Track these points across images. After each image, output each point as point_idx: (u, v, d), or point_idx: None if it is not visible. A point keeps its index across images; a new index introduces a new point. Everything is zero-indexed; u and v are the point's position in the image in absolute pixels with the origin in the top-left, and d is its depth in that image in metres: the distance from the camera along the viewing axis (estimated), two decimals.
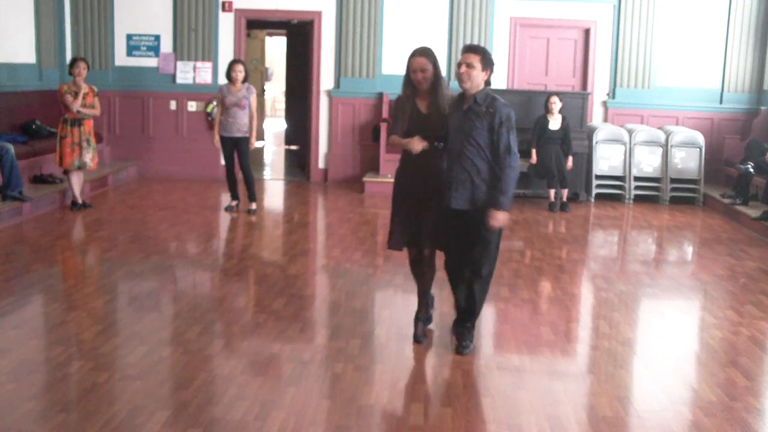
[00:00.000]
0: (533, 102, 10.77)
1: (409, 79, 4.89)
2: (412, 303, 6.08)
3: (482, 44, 11.52)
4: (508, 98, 10.85)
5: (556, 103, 10.04)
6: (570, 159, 10.21)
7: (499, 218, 4.66)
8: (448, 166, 4.79)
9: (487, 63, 4.69)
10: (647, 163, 11.00)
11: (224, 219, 9.15)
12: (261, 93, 15.98)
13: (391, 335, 5.25)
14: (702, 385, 4.65)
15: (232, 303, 6.04)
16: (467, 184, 4.69)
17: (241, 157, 9.04)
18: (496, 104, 4.67)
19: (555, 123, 10.08)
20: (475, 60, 4.66)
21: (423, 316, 5.22)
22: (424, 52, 4.89)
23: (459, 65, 4.69)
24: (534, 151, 10.12)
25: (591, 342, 5.46)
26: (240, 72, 8.91)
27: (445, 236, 4.95)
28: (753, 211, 9.36)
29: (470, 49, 4.73)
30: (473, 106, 4.68)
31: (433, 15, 11.57)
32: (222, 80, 10.66)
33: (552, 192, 10.18)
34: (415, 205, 4.95)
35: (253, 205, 9.30)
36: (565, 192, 10.24)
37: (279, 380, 4.46)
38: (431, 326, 5.39)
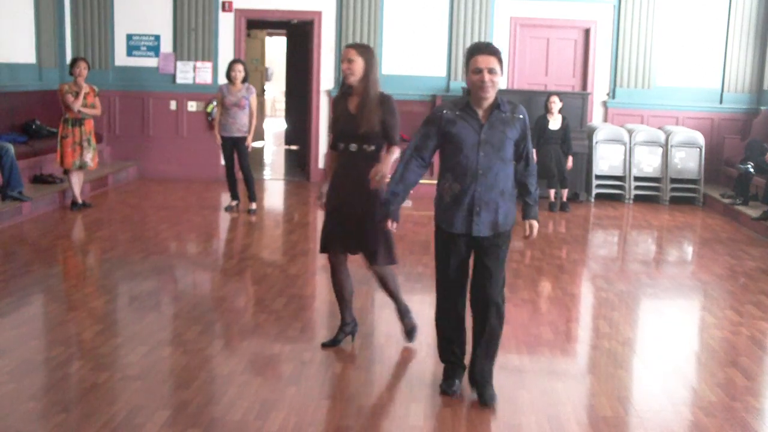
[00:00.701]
0: (533, 102, 10.76)
1: (343, 80, 4.72)
2: (413, 303, 6.09)
3: None
4: (508, 98, 10.96)
5: (555, 103, 10.04)
6: (570, 159, 10.22)
7: (537, 227, 4.28)
8: (460, 188, 4.08)
9: (502, 64, 4.05)
10: (647, 163, 11.00)
11: (224, 219, 9.15)
12: (261, 93, 15.98)
13: (391, 335, 5.25)
14: (702, 385, 4.65)
15: (232, 303, 6.03)
16: (492, 206, 4.07)
17: (240, 157, 9.04)
18: (520, 108, 4.15)
19: (555, 123, 10.08)
20: (497, 64, 3.97)
21: (346, 329, 5.01)
22: (356, 45, 4.73)
23: (477, 72, 3.97)
24: (534, 151, 10.11)
25: (591, 342, 5.46)
26: (239, 72, 8.90)
27: (383, 246, 4.71)
28: (753, 211, 9.36)
29: (489, 50, 4.00)
30: (498, 115, 4.06)
31: (433, 15, 11.57)
32: (222, 80, 10.66)
33: (552, 192, 10.18)
34: (346, 210, 4.73)
35: (253, 205, 9.30)
36: (565, 192, 10.24)
37: (279, 380, 4.46)
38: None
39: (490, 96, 4.01)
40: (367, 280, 6.64)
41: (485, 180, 4.05)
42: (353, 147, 4.67)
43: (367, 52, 4.68)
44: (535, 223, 4.26)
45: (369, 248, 4.74)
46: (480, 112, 4.07)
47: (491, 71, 3.95)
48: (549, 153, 10.05)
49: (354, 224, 4.72)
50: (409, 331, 5.05)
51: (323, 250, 4.94)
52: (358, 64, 4.62)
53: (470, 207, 4.06)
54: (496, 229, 4.11)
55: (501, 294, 4.19)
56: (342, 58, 4.69)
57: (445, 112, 4.11)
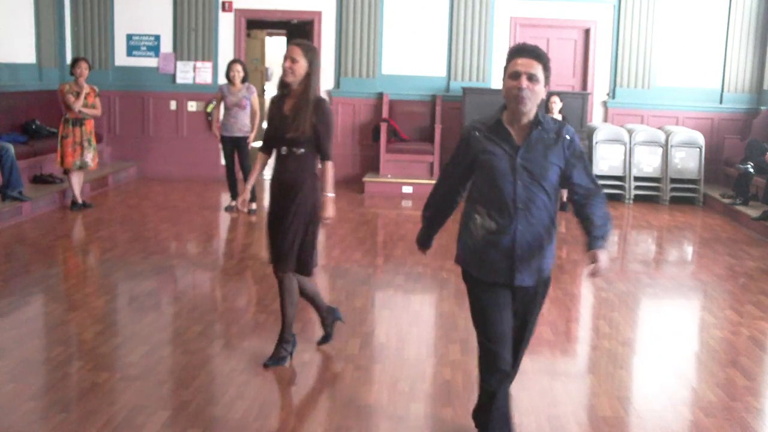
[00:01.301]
0: None
1: (282, 78, 4.46)
2: (412, 303, 6.10)
3: (482, 44, 11.52)
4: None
5: (556, 103, 10.05)
6: None
7: (606, 260, 3.32)
8: (497, 226, 3.29)
9: (549, 72, 3.30)
10: (647, 163, 11.00)
11: (224, 219, 9.15)
12: (261, 93, 15.98)
13: (391, 335, 5.25)
14: (702, 385, 4.65)
15: (232, 303, 6.03)
16: (536, 247, 3.33)
17: (241, 157, 9.05)
18: (567, 128, 3.38)
19: None
20: (539, 69, 3.23)
21: (284, 348, 4.67)
22: (302, 43, 4.46)
23: (514, 76, 3.23)
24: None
25: (591, 342, 5.46)
26: (238, 72, 8.90)
27: (306, 257, 4.47)
28: (753, 211, 9.36)
29: (533, 53, 3.26)
30: (539, 134, 3.30)
31: (433, 15, 11.57)
32: (222, 80, 10.67)
33: None
34: (275, 218, 4.54)
35: (253, 205, 9.30)
36: (564, 192, 10.21)
37: (279, 380, 4.47)
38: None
39: (528, 109, 3.25)
40: (366, 280, 6.64)
41: (527, 216, 3.28)
42: (284, 150, 4.46)
43: (312, 52, 4.43)
44: (602, 255, 3.29)
45: (281, 254, 4.48)
46: (514, 131, 3.31)
47: (531, 78, 3.21)
48: None
49: (279, 231, 4.50)
50: (272, 360, 4.63)
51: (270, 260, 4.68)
52: (301, 65, 4.38)
53: (510, 250, 3.29)
54: (540, 276, 3.39)
55: (526, 348, 3.59)
56: (285, 55, 4.42)
57: (474, 131, 3.37)
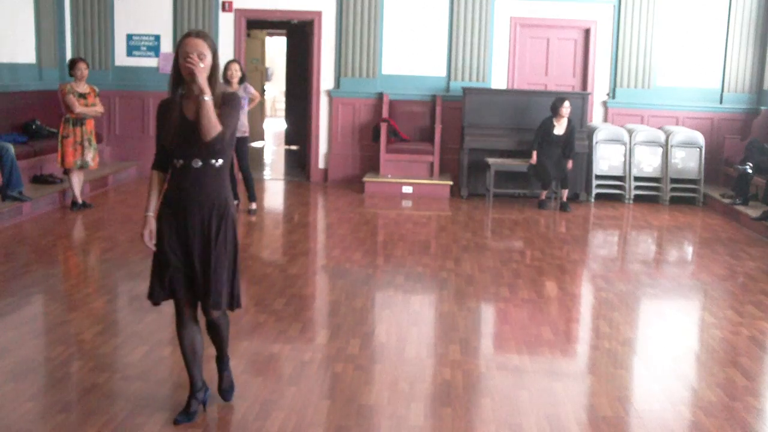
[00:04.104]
0: (533, 102, 10.77)
1: (177, 78, 3.74)
2: (412, 303, 6.10)
3: (482, 44, 11.52)
4: (508, 98, 10.99)
5: (567, 108, 10.04)
6: (570, 162, 10.22)
7: None
8: None
9: None
10: (647, 163, 11.00)
11: None
12: (261, 93, 15.99)
13: (391, 335, 5.25)
14: (702, 385, 4.65)
15: None
16: None
17: (240, 157, 9.05)
18: None
19: (560, 128, 10.08)
20: None
21: (199, 396, 3.97)
22: (200, 34, 3.72)
23: None
24: (534, 153, 10.14)
25: (591, 342, 5.46)
26: (236, 71, 8.88)
27: (229, 286, 3.79)
28: (753, 211, 9.36)
29: None
30: None
31: (433, 15, 11.57)
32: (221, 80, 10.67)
33: (544, 193, 10.21)
34: (189, 242, 3.74)
35: (253, 205, 9.30)
36: (565, 192, 10.25)
37: (279, 380, 4.47)
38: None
39: None
40: (366, 280, 6.64)
41: None
42: (197, 163, 3.69)
43: (214, 44, 3.76)
44: None
45: (212, 290, 3.78)
46: None
47: None
48: (549, 155, 10.06)
49: (198, 260, 3.77)
50: (228, 389, 4.18)
51: (160, 298, 3.93)
52: (209, 60, 3.69)
53: None
54: None
55: None
56: (184, 51, 3.66)
57: None
